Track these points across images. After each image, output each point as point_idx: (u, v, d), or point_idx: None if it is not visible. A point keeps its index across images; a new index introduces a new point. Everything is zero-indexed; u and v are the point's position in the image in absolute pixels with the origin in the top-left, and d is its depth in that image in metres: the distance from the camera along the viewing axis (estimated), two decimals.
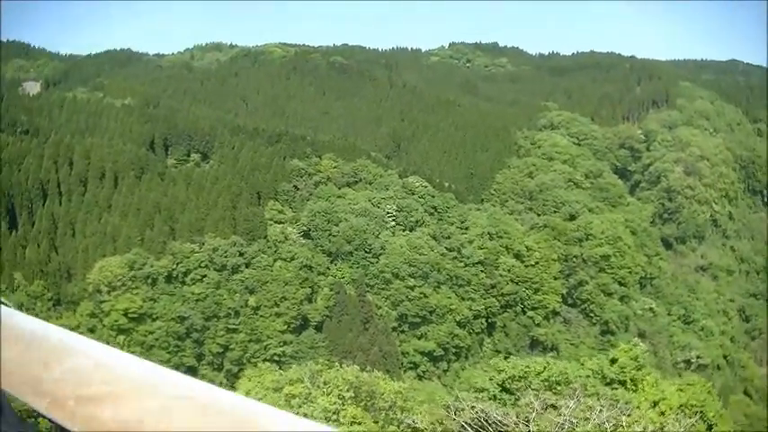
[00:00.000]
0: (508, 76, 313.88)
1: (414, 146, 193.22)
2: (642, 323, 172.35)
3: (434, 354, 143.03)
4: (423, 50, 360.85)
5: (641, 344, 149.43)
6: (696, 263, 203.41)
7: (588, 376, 43.84)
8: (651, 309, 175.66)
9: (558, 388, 39.62)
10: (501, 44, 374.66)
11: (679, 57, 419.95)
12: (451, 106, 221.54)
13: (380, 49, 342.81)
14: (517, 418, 33.18)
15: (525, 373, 42.65)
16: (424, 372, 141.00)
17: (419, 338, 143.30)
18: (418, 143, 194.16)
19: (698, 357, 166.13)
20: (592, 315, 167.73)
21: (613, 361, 46.15)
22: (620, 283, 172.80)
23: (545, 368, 42.99)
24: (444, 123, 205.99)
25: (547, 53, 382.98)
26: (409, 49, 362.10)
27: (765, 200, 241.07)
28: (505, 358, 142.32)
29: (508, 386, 42.37)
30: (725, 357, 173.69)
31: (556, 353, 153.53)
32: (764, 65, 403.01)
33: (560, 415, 31.77)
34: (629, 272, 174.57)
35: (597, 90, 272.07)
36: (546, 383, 40.76)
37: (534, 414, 32.62)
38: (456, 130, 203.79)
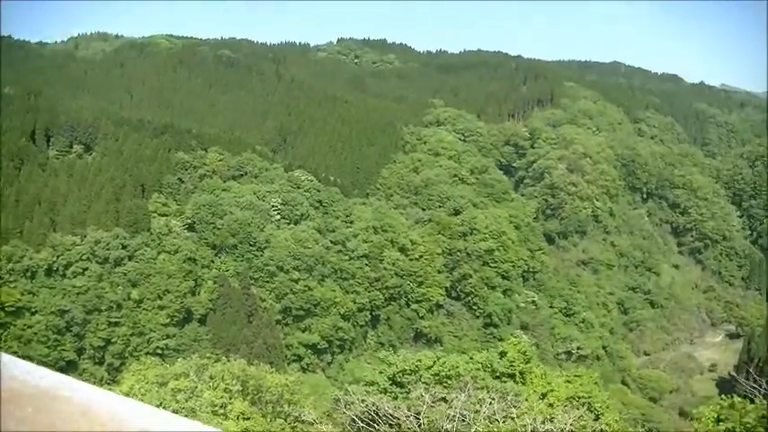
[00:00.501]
0: (396, 73, 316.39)
1: (300, 140, 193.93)
2: (525, 316, 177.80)
3: (318, 346, 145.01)
4: (311, 45, 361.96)
5: (524, 336, 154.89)
6: (577, 257, 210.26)
7: (478, 369, 44.06)
8: (533, 302, 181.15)
9: (449, 381, 40.16)
10: (389, 41, 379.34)
11: (564, 57, 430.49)
12: (339, 101, 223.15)
13: (268, 44, 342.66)
14: (408, 411, 33.46)
15: (416, 366, 43.16)
16: (308, 364, 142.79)
17: (303, 331, 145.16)
18: (305, 137, 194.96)
19: (578, 349, 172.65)
20: (475, 308, 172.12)
21: (502, 354, 46.23)
22: (504, 277, 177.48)
23: (435, 362, 43.40)
24: (331, 118, 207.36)
25: (435, 51, 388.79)
26: (297, 44, 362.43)
27: (644, 197, 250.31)
28: (393, 351, 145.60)
29: (399, 379, 42.86)
30: (604, 348, 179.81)
31: (440, 345, 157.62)
32: (645, 67, 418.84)
33: (451, 408, 32.02)
34: (513, 266, 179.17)
35: (484, 88, 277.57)
36: (436, 377, 41.45)
37: (425, 407, 32.91)
38: (343, 125, 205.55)
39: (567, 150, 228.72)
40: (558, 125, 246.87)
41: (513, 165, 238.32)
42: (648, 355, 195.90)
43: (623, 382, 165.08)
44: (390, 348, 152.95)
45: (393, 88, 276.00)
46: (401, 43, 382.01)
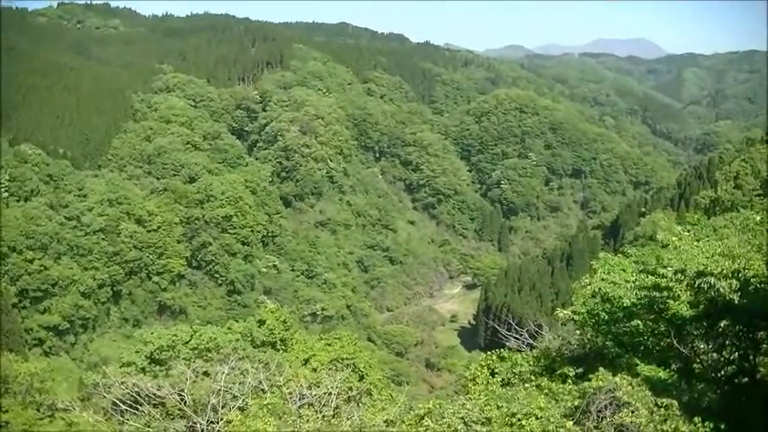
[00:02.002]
0: (121, 38, 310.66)
1: (24, 112, 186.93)
2: (267, 280, 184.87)
3: (60, 327, 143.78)
4: (29, 10, 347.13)
5: (268, 301, 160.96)
6: (315, 219, 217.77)
7: (238, 340, 44.28)
8: (275, 266, 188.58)
9: (209, 354, 40.27)
10: (113, 5, 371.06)
11: (291, 19, 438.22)
12: (63, 69, 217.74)
13: None
14: (172, 389, 33.28)
15: (173, 342, 42.82)
16: (50, 347, 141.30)
17: (42, 313, 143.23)
18: (29, 109, 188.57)
19: (323, 310, 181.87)
20: (217, 276, 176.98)
21: (261, 323, 46.75)
22: (244, 243, 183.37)
23: (192, 336, 43.25)
24: (56, 87, 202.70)
25: (161, 15, 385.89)
26: (14, 8, 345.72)
27: (377, 156, 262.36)
28: (138, 325, 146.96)
29: (157, 357, 42.40)
30: (348, 307, 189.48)
31: (185, 316, 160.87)
32: (372, 28, 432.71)
33: (215, 381, 32.03)
34: (252, 231, 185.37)
35: (212, 52, 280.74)
36: (195, 351, 41.39)
37: (189, 383, 32.97)
38: (69, 95, 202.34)
39: (298, 112, 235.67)
40: (289, 87, 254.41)
41: (246, 129, 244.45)
42: (391, 310, 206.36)
43: (369, 339, 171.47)
44: (135, 323, 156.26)
45: (119, 54, 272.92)
46: (126, 7, 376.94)
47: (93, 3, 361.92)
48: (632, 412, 19.21)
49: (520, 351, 32.32)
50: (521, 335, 35.61)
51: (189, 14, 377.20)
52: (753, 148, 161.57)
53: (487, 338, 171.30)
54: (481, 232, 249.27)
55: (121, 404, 34.00)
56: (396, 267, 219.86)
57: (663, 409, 19.23)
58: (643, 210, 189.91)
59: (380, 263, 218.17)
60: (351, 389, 33.85)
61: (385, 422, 28.42)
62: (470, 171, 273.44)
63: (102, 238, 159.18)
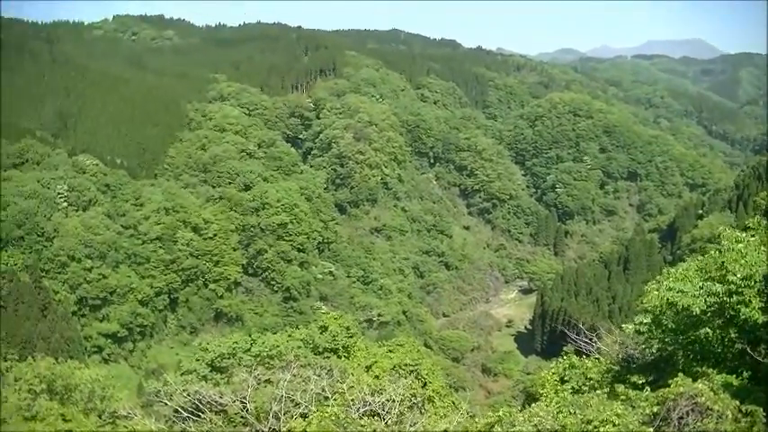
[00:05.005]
0: (175, 49, 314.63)
1: (82, 123, 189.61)
2: (323, 287, 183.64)
3: (119, 335, 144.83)
4: (85, 24, 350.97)
5: (323, 307, 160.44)
6: (370, 225, 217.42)
7: (299, 347, 44.27)
8: (331, 272, 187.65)
9: (271, 362, 40.17)
10: (167, 16, 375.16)
11: (343, 27, 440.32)
12: (119, 81, 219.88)
13: (40, 23, 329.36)
14: (234, 396, 33.27)
15: (233, 350, 43.02)
16: (109, 354, 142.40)
17: (101, 321, 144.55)
18: (86, 120, 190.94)
19: (379, 315, 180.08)
20: (273, 283, 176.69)
21: (323, 329, 46.59)
22: (299, 250, 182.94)
23: (252, 343, 43.46)
24: (112, 99, 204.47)
25: (214, 25, 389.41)
26: (71, 22, 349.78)
27: (431, 161, 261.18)
28: (195, 333, 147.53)
29: (218, 365, 42.71)
30: (404, 313, 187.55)
31: (241, 323, 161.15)
32: (423, 34, 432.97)
33: (278, 388, 31.85)
34: (307, 238, 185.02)
35: (265, 61, 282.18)
36: (257, 359, 41.30)
37: (250, 390, 32.83)
38: (125, 106, 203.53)
39: (352, 119, 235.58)
40: (342, 95, 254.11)
41: (300, 136, 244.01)
42: (447, 316, 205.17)
43: (426, 345, 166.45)
44: (192, 331, 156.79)
45: (173, 65, 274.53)
46: (180, 18, 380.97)
47: (148, 15, 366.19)
48: (717, 419, 18.53)
49: (588, 356, 31.92)
50: (579, 340, 35.33)
51: (241, 24, 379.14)
52: None
53: (544, 343, 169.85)
54: (537, 237, 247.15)
55: (183, 411, 34.06)
56: (451, 273, 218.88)
57: (748, 417, 18.53)
58: (700, 212, 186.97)
59: (436, 268, 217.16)
60: (414, 396, 33.20)
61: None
62: (525, 175, 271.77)
63: (160, 247, 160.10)
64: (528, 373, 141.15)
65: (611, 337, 33.86)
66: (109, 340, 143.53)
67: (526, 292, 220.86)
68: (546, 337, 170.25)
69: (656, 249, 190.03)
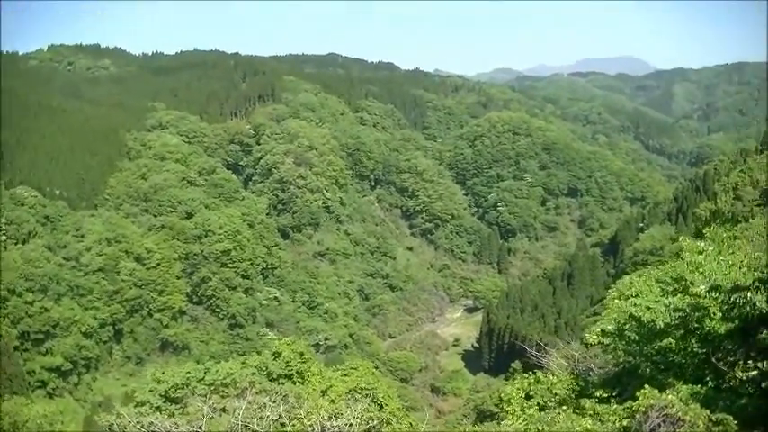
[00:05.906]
0: (112, 78, 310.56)
1: (19, 155, 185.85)
2: (269, 313, 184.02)
3: (63, 368, 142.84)
4: (20, 54, 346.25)
5: (270, 333, 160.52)
6: (314, 249, 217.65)
7: (254, 374, 43.41)
8: (276, 298, 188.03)
9: (226, 390, 39.91)
10: (103, 46, 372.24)
11: (280, 52, 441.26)
12: (56, 111, 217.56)
13: None
14: (189, 426, 32.96)
15: (187, 380, 41.95)
16: (54, 389, 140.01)
17: (45, 355, 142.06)
18: (24, 151, 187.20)
19: (326, 339, 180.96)
20: (218, 310, 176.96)
21: (276, 355, 45.69)
22: (243, 276, 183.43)
23: (206, 372, 42.53)
24: (50, 129, 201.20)
25: (150, 53, 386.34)
26: (5, 52, 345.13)
27: (372, 184, 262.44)
28: (141, 363, 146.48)
29: (171, 395, 41.33)
30: (351, 336, 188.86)
31: (188, 352, 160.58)
32: (361, 57, 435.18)
33: (234, 417, 31.84)
34: (251, 264, 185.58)
35: (203, 88, 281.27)
36: (212, 387, 40.61)
37: (205, 420, 32.69)
38: (63, 136, 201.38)
39: (292, 144, 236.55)
40: (282, 120, 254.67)
41: (241, 163, 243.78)
42: (394, 337, 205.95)
43: (374, 367, 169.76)
44: (138, 361, 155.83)
45: (111, 94, 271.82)
46: (116, 47, 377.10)
47: (84, 44, 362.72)
48: (689, 429, 18.84)
49: (541, 370, 31.27)
50: (531, 354, 35.39)
51: (178, 52, 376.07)
52: (749, 158, 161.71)
53: (492, 360, 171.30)
54: (480, 255, 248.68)
55: None
56: (396, 294, 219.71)
57: (720, 425, 18.85)
58: (641, 225, 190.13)
59: (381, 290, 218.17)
60: (371, 419, 33.35)
61: None
62: (466, 195, 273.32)
63: (102, 278, 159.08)
64: (477, 391, 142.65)
65: (562, 351, 34.20)
66: (53, 374, 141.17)
67: (471, 310, 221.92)
68: (493, 354, 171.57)
69: (599, 263, 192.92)
